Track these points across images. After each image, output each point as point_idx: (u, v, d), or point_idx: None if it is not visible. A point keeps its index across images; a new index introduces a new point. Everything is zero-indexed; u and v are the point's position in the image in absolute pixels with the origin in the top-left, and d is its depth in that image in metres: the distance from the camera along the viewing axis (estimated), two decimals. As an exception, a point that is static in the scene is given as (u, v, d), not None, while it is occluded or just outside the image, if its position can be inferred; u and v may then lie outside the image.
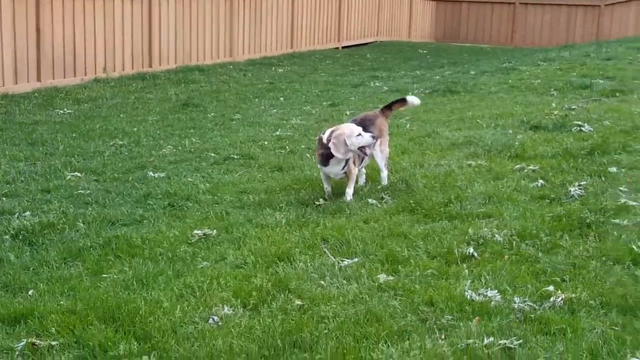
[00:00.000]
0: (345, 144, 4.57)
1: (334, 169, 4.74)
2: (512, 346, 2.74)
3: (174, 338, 2.87)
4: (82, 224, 4.36)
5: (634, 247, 3.65)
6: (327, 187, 4.91)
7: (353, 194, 4.82)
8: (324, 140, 4.66)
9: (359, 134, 4.61)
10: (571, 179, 5.02)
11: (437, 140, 6.53)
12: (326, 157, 4.66)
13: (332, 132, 4.65)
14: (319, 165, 4.87)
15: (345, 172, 4.78)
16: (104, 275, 3.59)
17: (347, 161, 4.70)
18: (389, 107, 5.40)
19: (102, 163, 6.01)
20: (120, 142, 6.79)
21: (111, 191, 5.17)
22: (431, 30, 21.07)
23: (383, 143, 5.12)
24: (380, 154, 5.08)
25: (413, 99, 5.47)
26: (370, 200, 4.77)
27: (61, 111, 8.29)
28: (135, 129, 7.45)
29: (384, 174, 5.14)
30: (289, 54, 14.46)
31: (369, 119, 5.06)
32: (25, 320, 3.00)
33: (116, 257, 3.83)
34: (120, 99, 9.28)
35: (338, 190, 4.96)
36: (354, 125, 4.72)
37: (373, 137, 4.68)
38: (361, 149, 4.65)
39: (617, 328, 2.87)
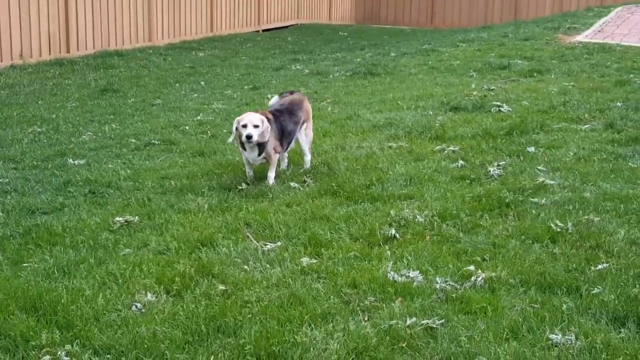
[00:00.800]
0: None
1: (251, 155, 4.74)
2: (434, 326, 2.83)
3: (97, 326, 2.85)
4: (0, 213, 4.29)
5: (552, 225, 3.81)
6: (248, 172, 4.90)
7: (275, 178, 4.84)
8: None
9: (256, 126, 4.52)
10: (490, 159, 5.16)
11: (359, 123, 6.59)
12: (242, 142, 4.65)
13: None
14: (239, 149, 4.89)
15: (265, 158, 4.77)
16: (25, 265, 3.54)
17: (263, 147, 4.66)
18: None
19: (20, 151, 5.91)
20: (39, 129, 6.70)
21: (30, 179, 5.07)
22: (352, 12, 21.20)
23: (308, 127, 5.17)
24: (305, 137, 5.13)
25: None
26: (292, 183, 4.81)
27: None
28: (54, 115, 7.32)
29: (307, 157, 5.18)
30: (209, 38, 14.35)
31: (296, 103, 5.08)
32: None
33: (37, 246, 3.78)
34: (37, 85, 9.11)
35: (261, 175, 4.95)
36: (255, 116, 4.62)
37: (249, 137, 4.49)
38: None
39: (536, 305, 2.99)
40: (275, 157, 4.86)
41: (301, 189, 4.72)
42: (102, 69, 10.49)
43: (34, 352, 2.69)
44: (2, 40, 9.91)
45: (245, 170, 4.95)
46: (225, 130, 6.42)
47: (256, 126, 4.49)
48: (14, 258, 3.62)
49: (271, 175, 4.81)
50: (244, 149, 4.71)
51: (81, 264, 3.53)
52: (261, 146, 4.63)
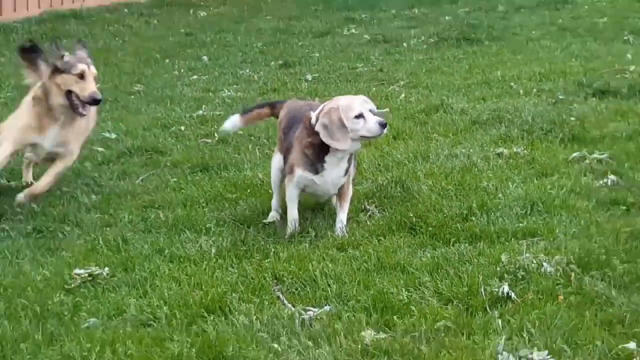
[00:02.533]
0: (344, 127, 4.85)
1: (331, 175, 4.99)
2: None
3: None
4: None
5: None
6: (294, 211, 5.14)
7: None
8: (313, 121, 4.96)
9: (360, 115, 4.83)
10: None
11: (450, 117, 7.04)
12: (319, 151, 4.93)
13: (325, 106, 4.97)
14: (300, 172, 5.08)
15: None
16: None
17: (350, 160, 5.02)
18: None
19: None
20: None
21: None
22: None
23: None
24: None
25: None
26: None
27: None
28: None
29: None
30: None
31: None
32: None
33: None
34: None
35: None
36: (355, 98, 5.01)
37: (382, 124, 4.88)
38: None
39: None
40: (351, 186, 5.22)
41: (360, 221, 5.03)
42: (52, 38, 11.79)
43: None
44: None
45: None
46: (241, 132, 6.94)
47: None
48: None
49: (343, 217, 5.09)
50: (318, 170, 4.97)
51: (22, 343, 3.79)
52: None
